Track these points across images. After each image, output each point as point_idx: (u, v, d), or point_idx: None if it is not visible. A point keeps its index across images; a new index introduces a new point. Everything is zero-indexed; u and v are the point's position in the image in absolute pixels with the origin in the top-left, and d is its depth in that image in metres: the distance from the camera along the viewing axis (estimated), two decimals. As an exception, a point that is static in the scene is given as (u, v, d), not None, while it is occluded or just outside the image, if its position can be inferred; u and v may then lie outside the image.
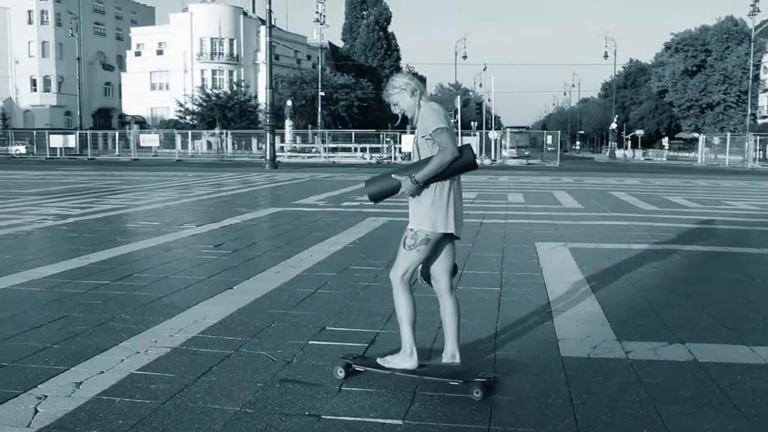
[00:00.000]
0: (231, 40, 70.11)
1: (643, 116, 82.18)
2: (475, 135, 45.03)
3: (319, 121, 58.64)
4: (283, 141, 50.85)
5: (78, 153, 48.07)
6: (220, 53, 69.89)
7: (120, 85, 75.76)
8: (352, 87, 67.25)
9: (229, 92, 63.87)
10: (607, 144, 74.63)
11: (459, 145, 3.72)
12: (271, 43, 32.05)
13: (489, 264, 7.54)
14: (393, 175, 3.79)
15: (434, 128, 3.69)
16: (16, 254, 8.24)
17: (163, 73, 71.39)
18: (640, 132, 73.24)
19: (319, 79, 61.21)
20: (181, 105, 62.20)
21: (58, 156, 46.85)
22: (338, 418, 3.34)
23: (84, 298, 5.86)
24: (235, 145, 53.52)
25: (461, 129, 35.95)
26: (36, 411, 3.41)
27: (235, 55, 70.47)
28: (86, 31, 73.29)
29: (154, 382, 3.81)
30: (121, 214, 12.73)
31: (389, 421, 3.32)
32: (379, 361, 3.95)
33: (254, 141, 55.38)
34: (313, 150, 49.04)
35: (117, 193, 17.44)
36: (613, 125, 63.65)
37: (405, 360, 3.86)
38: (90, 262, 7.58)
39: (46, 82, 74.54)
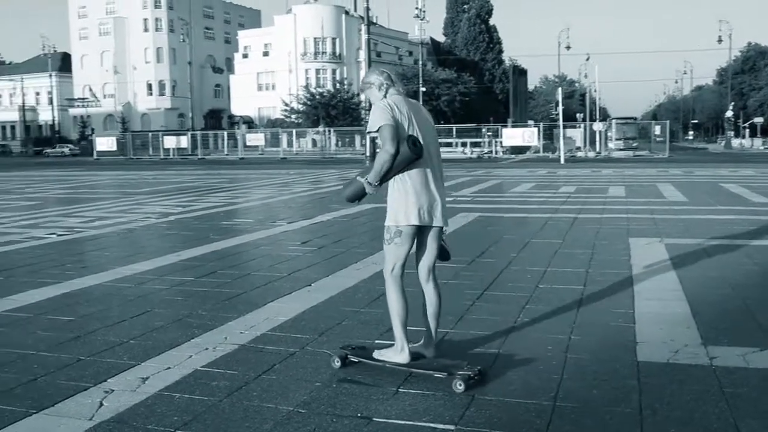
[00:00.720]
0: (333, 39, 71.20)
1: (763, 103, 77.45)
2: (579, 127, 43.80)
3: (420, 116, 58.61)
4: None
5: (189, 153, 50.10)
6: (323, 52, 71.10)
7: (229, 87, 78.38)
8: (453, 81, 66.88)
9: (332, 90, 64.89)
10: (722, 133, 70.79)
11: (408, 135, 3.74)
12: (369, 41, 32.28)
13: (575, 261, 7.24)
14: (357, 177, 3.83)
15: (377, 127, 3.74)
16: (115, 251, 8.62)
17: (269, 74, 73.31)
18: (759, 120, 68.93)
19: (420, 75, 61.17)
20: (286, 104, 63.67)
21: (171, 156, 49.00)
22: (389, 421, 3.26)
23: (167, 294, 6.04)
24: (339, 143, 54.24)
25: (564, 121, 34.91)
26: (101, 404, 3.51)
27: (337, 54, 71.52)
28: (197, 36, 76.25)
29: (215, 379, 3.85)
30: (218, 211, 13.12)
31: (441, 426, 3.20)
32: (374, 354, 4.00)
33: (357, 138, 55.96)
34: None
35: (219, 192, 18.02)
36: (729, 113, 60.26)
37: (396, 354, 3.93)
38: (180, 259, 7.83)
39: (161, 86, 78.16)
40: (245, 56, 75.70)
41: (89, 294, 6.13)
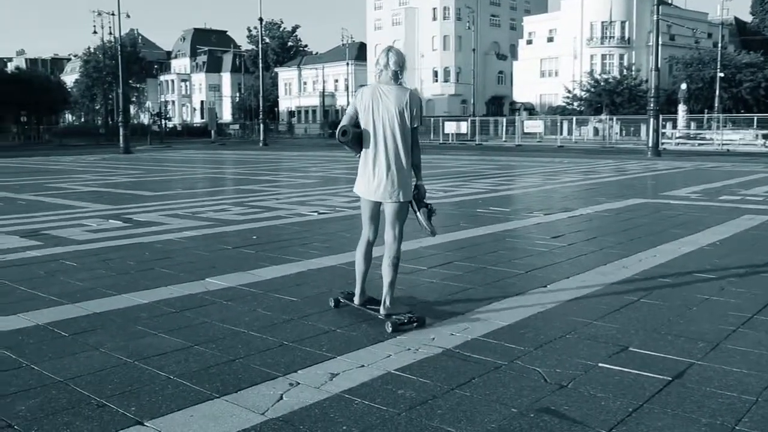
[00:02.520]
0: (623, 23, 67.24)
1: None
2: None
3: (716, 104, 53.22)
4: (675, 127, 47.22)
5: (468, 139, 50.73)
6: (610, 37, 67.48)
7: (512, 73, 78.09)
8: (759, 66, 59.61)
9: (618, 77, 61.50)
10: None
11: (348, 123, 4.55)
12: (658, 22, 29.78)
13: None
14: None
15: None
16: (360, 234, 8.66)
17: (552, 60, 71.57)
18: None
19: (719, 59, 55.44)
20: (568, 91, 61.72)
21: (450, 141, 49.99)
22: (586, 475, 2.62)
23: (393, 283, 5.80)
24: (623, 132, 51.24)
25: None
26: (280, 398, 3.32)
27: (626, 38, 67.51)
28: (482, 24, 76.95)
29: (403, 387, 3.47)
30: (478, 198, 12.80)
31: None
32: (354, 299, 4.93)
33: (642, 127, 52.39)
34: (707, 137, 44.60)
35: (486, 178, 17.74)
36: None
37: (357, 298, 4.90)
38: (420, 245, 7.60)
39: (446, 73, 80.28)
40: (529, 42, 74.68)
41: (319, 275, 6.14)
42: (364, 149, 4.56)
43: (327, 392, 3.39)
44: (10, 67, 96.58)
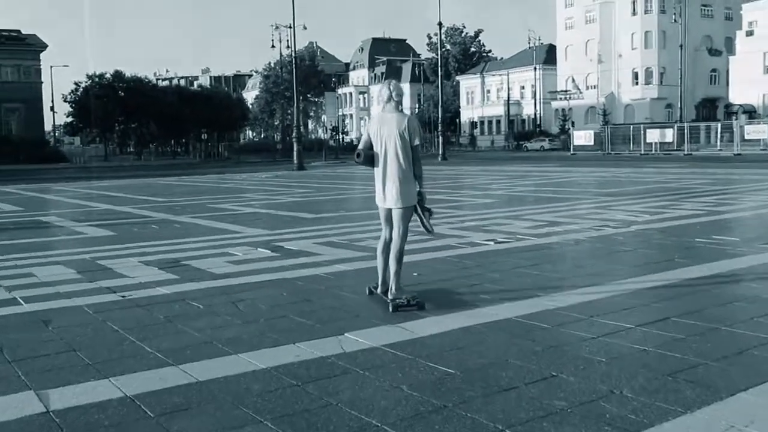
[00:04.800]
0: None
1: None
2: None
3: None
4: None
5: (675, 148, 47.21)
6: None
7: (727, 71, 72.22)
8: None
9: None
10: None
11: (363, 147, 5.95)
12: None
13: None
14: None
15: None
16: (545, 270, 7.43)
17: (778, 54, 65.33)
18: None
19: None
20: (799, 89, 55.87)
21: (653, 152, 46.74)
22: None
23: (589, 350, 4.56)
24: None
25: None
26: None
27: None
28: (691, 15, 71.62)
29: None
30: (694, 222, 11.06)
31: None
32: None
33: None
34: None
35: (701, 196, 15.69)
36: None
37: (379, 287, 6.08)
38: (622, 289, 6.26)
39: (648, 74, 75.65)
40: (749, 33, 68.62)
41: (490, 333, 5.02)
42: (375, 166, 5.82)
43: None
44: (195, 85, 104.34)
